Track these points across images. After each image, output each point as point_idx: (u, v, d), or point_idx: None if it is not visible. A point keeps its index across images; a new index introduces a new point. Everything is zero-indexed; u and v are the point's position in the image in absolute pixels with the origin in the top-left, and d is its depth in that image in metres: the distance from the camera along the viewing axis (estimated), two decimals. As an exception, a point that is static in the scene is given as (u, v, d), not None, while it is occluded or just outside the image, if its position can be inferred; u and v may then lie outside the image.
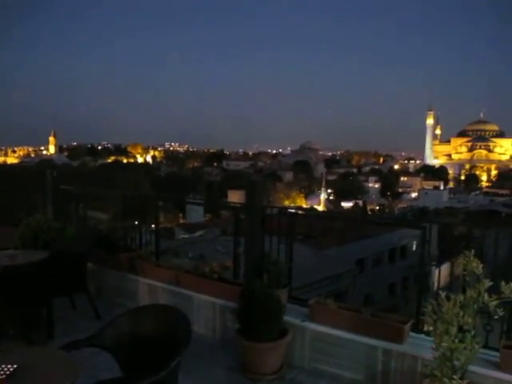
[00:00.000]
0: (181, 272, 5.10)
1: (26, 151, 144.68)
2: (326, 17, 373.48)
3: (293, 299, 4.43)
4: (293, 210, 4.71)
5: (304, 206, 78.60)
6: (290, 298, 4.42)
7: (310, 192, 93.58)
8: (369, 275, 25.36)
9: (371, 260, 27.73)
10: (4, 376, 2.08)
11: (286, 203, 77.49)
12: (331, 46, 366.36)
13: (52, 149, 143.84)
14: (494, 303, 2.90)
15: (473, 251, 3.04)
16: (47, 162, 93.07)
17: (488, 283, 2.93)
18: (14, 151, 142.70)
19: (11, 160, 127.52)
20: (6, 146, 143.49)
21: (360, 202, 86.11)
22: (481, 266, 3.00)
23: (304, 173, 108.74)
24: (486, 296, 2.90)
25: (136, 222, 6.05)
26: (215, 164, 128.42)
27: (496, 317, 3.06)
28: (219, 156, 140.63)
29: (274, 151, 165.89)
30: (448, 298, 2.94)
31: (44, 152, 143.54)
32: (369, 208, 79.61)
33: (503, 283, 2.93)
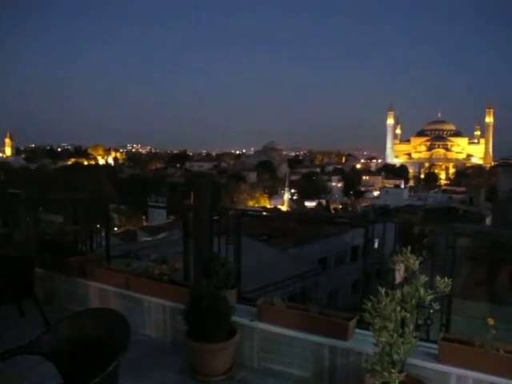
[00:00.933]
0: (131, 275, 5.03)
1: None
2: (285, 15, 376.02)
3: (242, 300, 4.45)
4: (239, 211, 4.72)
5: (268, 206, 78.98)
6: (239, 298, 4.43)
7: (274, 192, 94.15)
8: (332, 273, 25.68)
9: (334, 258, 28.09)
10: None
11: (250, 204, 77.88)
12: (292, 44, 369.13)
13: (8, 151, 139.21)
14: (430, 297, 3.00)
15: (409, 248, 3.13)
16: (3, 164, 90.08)
17: (424, 279, 3.02)
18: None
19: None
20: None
21: (323, 202, 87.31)
22: (417, 262, 3.09)
23: (268, 173, 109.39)
24: (422, 291, 2.99)
25: (86, 226, 5.93)
26: (178, 165, 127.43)
27: (431, 311, 3.16)
28: (182, 157, 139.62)
29: (238, 152, 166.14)
30: (387, 294, 3.01)
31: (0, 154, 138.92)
32: (332, 207, 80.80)
33: (438, 278, 3.04)
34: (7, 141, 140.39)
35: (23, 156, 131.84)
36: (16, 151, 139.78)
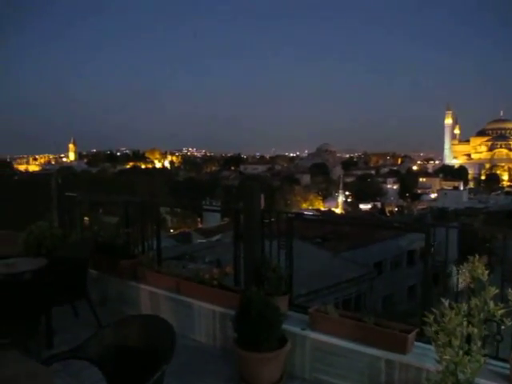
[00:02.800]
0: (181, 279, 4.98)
1: (46, 159, 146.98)
2: (337, 16, 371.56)
3: (294, 307, 4.27)
4: (292, 214, 4.55)
5: (322, 208, 78.19)
6: (291, 305, 4.26)
7: (328, 194, 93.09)
8: (387, 278, 24.99)
9: (390, 262, 27.34)
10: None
11: (304, 206, 77.36)
12: (344, 46, 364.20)
13: (72, 156, 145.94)
14: (501, 312, 2.71)
15: (477, 256, 2.85)
16: (66, 168, 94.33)
17: (494, 291, 2.74)
18: (36, 159, 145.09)
19: (32, 168, 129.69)
20: (27, 154, 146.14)
21: (378, 204, 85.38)
22: (486, 272, 2.81)
23: (321, 175, 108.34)
24: (491, 304, 2.71)
25: (138, 228, 5.96)
26: (232, 168, 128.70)
27: (503, 327, 2.86)
28: (236, 160, 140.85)
29: (292, 154, 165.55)
30: (451, 307, 2.75)
31: (64, 159, 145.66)
32: (387, 210, 78.86)
33: (510, 290, 2.74)
34: (71, 146, 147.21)
35: (85, 160, 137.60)
36: (79, 156, 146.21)
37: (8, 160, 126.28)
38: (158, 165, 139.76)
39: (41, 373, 2.25)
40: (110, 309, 5.65)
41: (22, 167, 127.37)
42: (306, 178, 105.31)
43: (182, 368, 4.05)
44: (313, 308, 3.95)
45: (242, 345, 3.65)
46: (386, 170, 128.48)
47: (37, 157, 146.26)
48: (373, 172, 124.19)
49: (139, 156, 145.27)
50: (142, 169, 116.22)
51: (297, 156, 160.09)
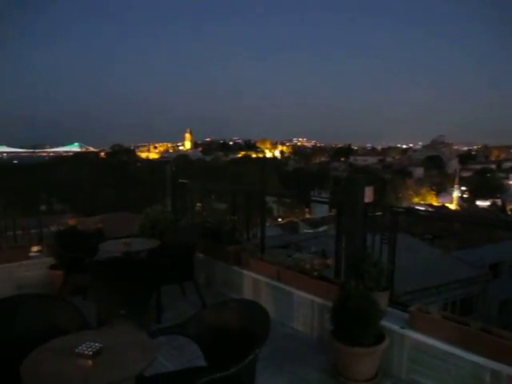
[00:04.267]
0: (282, 268, 5.09)
1: (165, 147, 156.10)
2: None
3: (393, 304, 4.16)
4: (397, 208, 4.39)
5: (434, 203, 74.14)
6: (391, 302, 4.15)
7: (442, 189, 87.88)
8: (505, 281, 23.10)
9: (509, 265, 25.24)
10: (90, 352, 2.23)
11: (415, 201, 73.98)
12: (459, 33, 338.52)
13: (188, 144, 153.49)
14: None
15: None
16: (183, 157, 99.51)
17: None
18: (155, 147, 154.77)
19: (152, 155, 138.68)
20: (148, 142, 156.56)
21: (498, 201, 78.81)
22: None
23: (436, 169, 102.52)
24: None
25: (244, 216, 6.17)
26: (342, 159, 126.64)
27: None
28: (347, 151, 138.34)
29: (404, 146, 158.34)
30: None
31: (181, 148, 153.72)
32: (509, 208, 72.54)
33: None
34: (187, 135, 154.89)
35: (200, 149, 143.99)
36: (194, 145, 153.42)
37: (132, 148, 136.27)
38: (269, 154, 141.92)
39: (149, 343, 2.46)
40: (214, 291, 5.95)
41: (143, 155, 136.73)
42: (418, 172, 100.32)
43: (279, 354, 4.16)
44: (414, 306, 3.82)
45: (338, 337, 3.65)
46: (508, 164, 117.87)
47: (156, 145, 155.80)
48: (493, 166, 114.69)
49: (250, 145, 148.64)
50: (252, 158, 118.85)
51: (410, 148, 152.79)
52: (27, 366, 2.20)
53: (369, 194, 4.43)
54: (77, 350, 2.25)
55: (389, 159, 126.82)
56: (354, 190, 4.34)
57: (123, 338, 2.57)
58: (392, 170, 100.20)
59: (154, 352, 2.37)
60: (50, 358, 2.33)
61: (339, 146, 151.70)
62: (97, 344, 2.31)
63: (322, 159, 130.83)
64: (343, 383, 3.63)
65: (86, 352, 2.24)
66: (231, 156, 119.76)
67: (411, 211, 4.83)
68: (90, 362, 2.21)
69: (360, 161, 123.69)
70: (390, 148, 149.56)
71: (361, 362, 3.60)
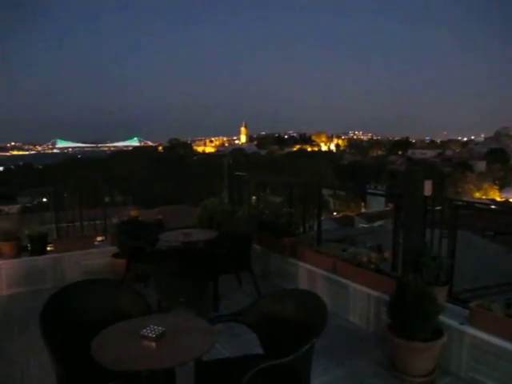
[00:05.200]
0: (339, 260, 5.08)
1: (221, 141, 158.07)
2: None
3: (452, 299, 4.05)
4: (458, 202, 4.26)
5: (497, 199, 70.80)
6: (450, 297, 4.05)
7: (506, 184, 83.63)
8: None
9: None
10: (154, 335, 2.35)
11: (477, 195, 71.00)
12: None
13: (243, 138, 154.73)
14: None
15: None
16: (238, 150, 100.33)
17: None
18: (211, 141, 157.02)
19: (208, 149, 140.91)
20: (204, 136, 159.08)
21: None
22: None
23: (499, 162, 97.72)
24: None
25: (300, 209, 6.18)
26: (400, 153, 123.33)
27: None
28: (404, 144, 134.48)
29: (465, 139, 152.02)
30: None
31: (236, 141, 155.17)
32: None
33: None
34: (243, 129, 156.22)
35: (255, 143, 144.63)
36: (250, 138, 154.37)
37: (188, 142, 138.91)
38: (324, 148, 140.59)
39: (208, 329, 2.55)
40: (270, 282, 6.03)
41: (199, 148, 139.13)
42: (481, 165, 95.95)
43: (334, 346, 4.18)
44: (474, 303, 3.71)
45: (395, 331, 3.61)
46: None
47: (212, 139, 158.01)
48: None
49: (306, 139, 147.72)
50: (307, 151, 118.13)
51: (471, 140, 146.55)
52: (97, 346, 2.35)
53: (428, 188, 4.34)
54: (141, 333, 2.37)
55: (448, 152, 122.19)
56: (413, 182, 4.27)
57: (184, 322, 2.69)
58: (452, 164, 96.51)
59: (214, 336, 2.46)
60: (117, 339, 2.47)
61: (396, 139, 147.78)
62: (160, 327, 2.42)
63: (379, 152, 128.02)
64: (399, 377, 3.59)
65: (150, 334, 2.36)
66: (286, 150, 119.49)
67: (472, 205, 4.65)
68: (153, 344, 2.32)
69: (418, 154, 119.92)
70: (449, 141, 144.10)
71: (418, 356, 3.54)
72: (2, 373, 3.85)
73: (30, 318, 4.95)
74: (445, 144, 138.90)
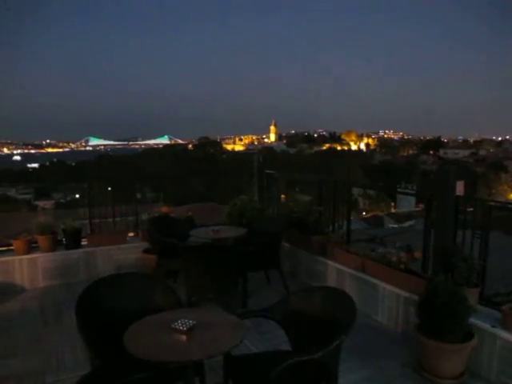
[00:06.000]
0: (368, 259, 5.06)
1: (250, 139, 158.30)
2: None
3: (484, 301, 3.98)
4: (492, 203, 4.18)
5: (534, 201, 68.67)
6: (481, 299, 3.97)
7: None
8: None
9: None
10: (185, 328, 2.40)
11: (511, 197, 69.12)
12: None
13: (272, 137, 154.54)
14: None
15: None
16: (268, 149, 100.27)
17: None
18: (241, 139, 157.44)
19: (238, 147, 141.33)
20: (234, 135, 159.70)
21: None
22: None
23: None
24: None
25: (329, 207, 6.17)
26: (431, 152, 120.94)
27: None
28: (436, 144, 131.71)
29: (500, 138, 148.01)
30: None
31: (266, 140, 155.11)
32: None
33: None
34: (272, 128, 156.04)
35: (284, 141, 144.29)
36: (279, 137, 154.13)
37: (218, 140, 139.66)
38: (354, 147, 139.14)
39: (238, 324, 2.59)
40: (298, 280, 6.05)
41: (229, 147, 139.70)
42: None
43: (362, 345, 4.17)
44: (507, 305, 3.63)
45: (424, 332, 3.58)
46: None
47: (242, 137, 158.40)
48: None
49: (335, 138, 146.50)
50: (337, 150, 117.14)
51: (506, 140, 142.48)
52: (129, 337, 2.42)
53: (460, 188, 4.27)
54: (172, 326, 2.43)
55: (482, 152, 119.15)
56: (444, 182, 4.21)
57: (214, 317, 2.73)
58: (485, 164, 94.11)
59: (243, 331, 2.49)
60: (148, 331, 2.53)
61: (428, 138, 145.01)
62: (190, 321, 2.47)
63: (410, 152, 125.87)
64: (428, 379, 3.56)
65: (181, 328, 2.41)
66: (316, 148, 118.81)
67: (506, 206, 4.56)
68: (184, 337, 2.38)
69: (450, 154, 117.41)
70: (483, 140, 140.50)
71: (448, 358, 3.50)
72: (39, 360, 3.99)
73: (65, 309, 5.12)
74: (478, 144, 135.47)
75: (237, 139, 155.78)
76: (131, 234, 6.98)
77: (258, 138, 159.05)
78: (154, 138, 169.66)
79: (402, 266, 4.63)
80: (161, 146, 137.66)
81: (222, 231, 5.43)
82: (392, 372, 3.73)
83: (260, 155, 7.85)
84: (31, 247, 6.16)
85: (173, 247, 5.29)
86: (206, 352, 2.31)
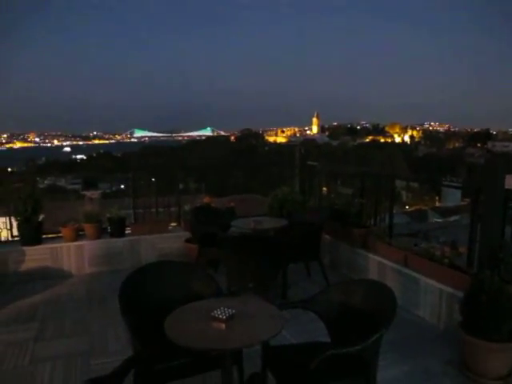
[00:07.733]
0: (410, 253, 4.96)
1: (292, 131, 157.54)
2: None
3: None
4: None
5: None
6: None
7: None
8: None
9: None
10: (224, 317, 2.44)
11: None
12: None
13: (315, 129, 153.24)
14: None
15: None
16: (310, 141, 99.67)
17: None
18: (283, 131, 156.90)
19: (280, 139, 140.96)
20: (276, 126, 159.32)
21: None
22: None
23: None
24: None
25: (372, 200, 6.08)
26: (479, 145, 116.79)
27: None
28: (484, 136, 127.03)
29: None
30: None
31: (308, 132, 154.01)
32: None
33: None
34: (314, 120, 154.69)
35: (327, 133, 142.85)
36: (321, 129, 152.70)
37: (260, 132, 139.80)
38: (398, 139, 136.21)
39: (277, 314, 2.60)
40: (339, 272, 6.01)
41: (271, 139, 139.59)
42: None
43: (403, 341, 4.10)
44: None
45: (468, 330, 3.48)
46: None
47: (284, 129, 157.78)
48: None
49: (379, 130, 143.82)
50: (380, 143, 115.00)
51: None
52: (170, 324, 2.47)
53: (509, 182, 4.12)
54: (212, 314, 2.46)
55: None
56: (493, 175, 4.06)
57: (254, 306, 2.75)
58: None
59: (282, 322, 2.50)
60: (188, 318, 2.58)
61: (475, 130, 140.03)
62: (230, 310, 2.50)
63: (456, 145, 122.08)
64: (471, 378, 3.46)
65: (221, 316, 2.44)
66: (358, 141, 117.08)
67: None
68: (223, 325, 2.40)
69: (499, 147, 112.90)
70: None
71: (494, 358, 3.39)
72: (84, 343, 4.15)
73: (109, 295, 5.29)
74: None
75: (279, 131, 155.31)
76: (173, 224, 7.11)
77: (300, 130, 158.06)
78: (197, 129, 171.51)
79: (446, 261, 4.51)
80: (203, 137, 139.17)
81: (263, 222, 5.45)
82: (433, 369, 3.65)
83: (302, 147, 7.81)
84: (78, 235, 6.38)
85: (213, 237, 5.36)
86: (245, 341, 2.34)
